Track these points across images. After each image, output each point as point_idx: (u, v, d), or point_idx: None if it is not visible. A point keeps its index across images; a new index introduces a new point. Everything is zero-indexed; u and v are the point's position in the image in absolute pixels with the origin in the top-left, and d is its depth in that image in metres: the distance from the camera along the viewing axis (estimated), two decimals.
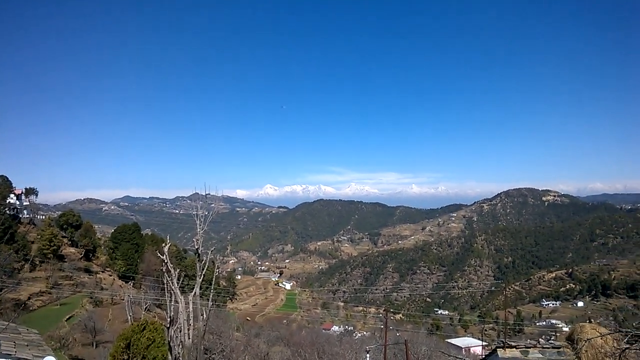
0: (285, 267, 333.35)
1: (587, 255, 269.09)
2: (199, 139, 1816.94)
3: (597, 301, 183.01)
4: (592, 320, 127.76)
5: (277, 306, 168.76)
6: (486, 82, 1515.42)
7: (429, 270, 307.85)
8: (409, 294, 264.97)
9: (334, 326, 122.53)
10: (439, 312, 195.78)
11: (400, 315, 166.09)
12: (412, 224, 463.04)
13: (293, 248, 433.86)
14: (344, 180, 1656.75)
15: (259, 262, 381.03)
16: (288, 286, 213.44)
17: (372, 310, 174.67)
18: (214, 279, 20.44)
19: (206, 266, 13.60)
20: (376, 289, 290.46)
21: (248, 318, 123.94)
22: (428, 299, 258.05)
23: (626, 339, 7.50)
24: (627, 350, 7.48)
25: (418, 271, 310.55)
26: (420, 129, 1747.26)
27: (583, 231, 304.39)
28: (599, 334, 10.39)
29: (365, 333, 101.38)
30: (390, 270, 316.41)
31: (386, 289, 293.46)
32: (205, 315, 11.96)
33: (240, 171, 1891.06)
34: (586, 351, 11.41)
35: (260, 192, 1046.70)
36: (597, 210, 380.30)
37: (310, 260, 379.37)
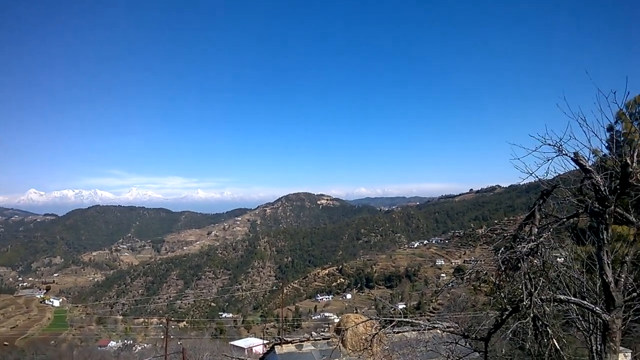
0: (54, 281, 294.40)
1: (354, 252, 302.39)
2: None
3: (363, 293, 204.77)
4: (358, 310, 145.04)
5: (43, 326, 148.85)
6: (273, 89, 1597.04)
7: (214, 275, 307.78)
8: (194, 300, 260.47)
9: (112, 342, 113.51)
10: (224, 315, 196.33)
11: (185, 322, 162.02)
12: (197, 229, 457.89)
13: (63, 260, 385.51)
14: (124, 185, 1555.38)
15: (21, 278, 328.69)
16: (57, 303, 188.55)
17: (154, 320, 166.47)
18: None
19: None
20: (159, 298, 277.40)
21: (5, 343, 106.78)
22: (213, 304, 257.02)
23: (377, 324, 8.88)
24: (378, 334, 8.82)
25: (203, 277, 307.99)
26: (206, 132, 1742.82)
27: (350, 231, 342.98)
28: (355, 323, 12.02)
29: (146, 345, 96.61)
30: (175, 277, 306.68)
31: (170, 297, 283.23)
32: None
33: None
34: (350, 338, 13.08)
35: (22, 197, 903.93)
36: (362, 212, 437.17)
37: (84, 272, 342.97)
